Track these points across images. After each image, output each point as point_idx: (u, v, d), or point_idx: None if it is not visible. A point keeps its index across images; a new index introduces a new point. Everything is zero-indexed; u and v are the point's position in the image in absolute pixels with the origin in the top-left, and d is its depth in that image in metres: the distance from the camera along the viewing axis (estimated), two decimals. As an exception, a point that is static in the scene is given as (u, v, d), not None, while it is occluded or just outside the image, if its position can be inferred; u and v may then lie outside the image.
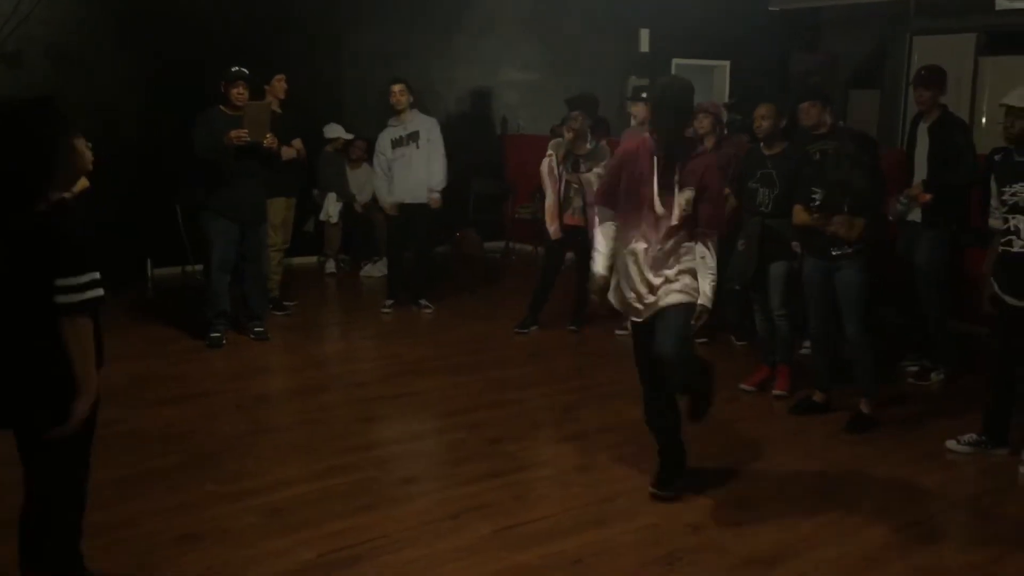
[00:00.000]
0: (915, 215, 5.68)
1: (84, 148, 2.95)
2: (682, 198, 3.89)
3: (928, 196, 5.55)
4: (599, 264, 4.12)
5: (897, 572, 3.52)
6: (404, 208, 7.27)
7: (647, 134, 4.05)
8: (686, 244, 3.94)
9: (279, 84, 7.19)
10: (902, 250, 5.79)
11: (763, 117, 5.38)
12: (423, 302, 7.53)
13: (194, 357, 6.18)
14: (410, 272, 7.54)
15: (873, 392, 5.05)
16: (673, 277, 3.94)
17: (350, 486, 4.16)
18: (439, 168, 7.22)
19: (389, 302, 7.53)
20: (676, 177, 3.90)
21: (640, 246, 3.96)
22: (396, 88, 7.16)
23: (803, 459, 4.60)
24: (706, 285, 3.92)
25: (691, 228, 3.94)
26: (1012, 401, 4.64)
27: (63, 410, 2.82)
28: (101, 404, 2.95)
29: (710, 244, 3.95)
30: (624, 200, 4.02)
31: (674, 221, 3.89)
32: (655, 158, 3.93)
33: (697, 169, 3.92)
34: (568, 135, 6.67)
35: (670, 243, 3.93)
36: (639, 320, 4.04)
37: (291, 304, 7.47)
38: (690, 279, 3.94)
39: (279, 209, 7.09)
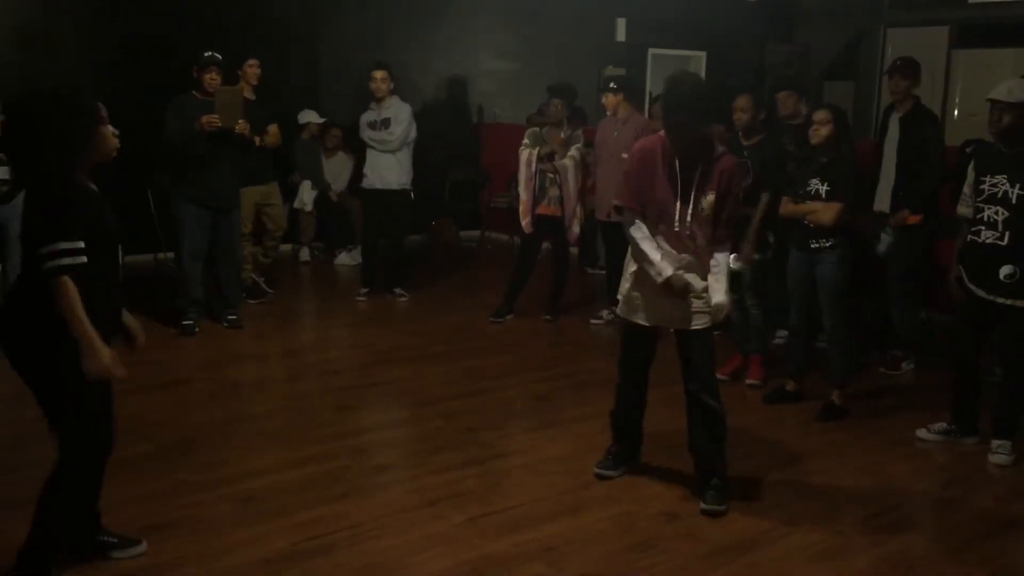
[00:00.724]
0: (884, 206, 5.72)
1: (110, 135, 3.16)
2: (704, 202, 3.78)
3: (918, 217, 5.53)
4: (665, 267, 3.80)
5: (867, 559, 3.56)
6: (378, 195, 7.24)
7: (663, 132, 3.89)
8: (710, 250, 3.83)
9: (251, 70, 7.09)
10: (869, 240, 5.83)
11: (742, 110, 5.39)
12: (398, 290, 7.51)
13: (167, 345, 6.12)
14: (385, 260, 7.52)
15: (846, 382, 5.09)
16: (701, 293, 3.85)
17: (325, 474, 4.15)
18: (386, 134, 7.10)
19: (364, 290, 7.51)
20: (696, 181, 3.77)
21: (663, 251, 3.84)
22: (378, 75, 7.11)
23: (776, 447, 4.64)
24: (723, 288, 3.84)
25: (713, 233, 3.83)
26: (978, 390, 4.69)
27: (57, 371, 2.98)
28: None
29: (726, 251, 3.88)
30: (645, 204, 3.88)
31: (686, 231, 3.79)
32: (675, 161, 3.79)
33: (718, 171, 3.80)
34: (554, 144, 6.65)
35: (695, 249, 3.82)
36: (646, 324, 3.97)
37: (266, 292, 7.42)
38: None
39: (249, 198, 7.03)
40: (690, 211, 3.80)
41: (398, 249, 7.56)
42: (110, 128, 3.15)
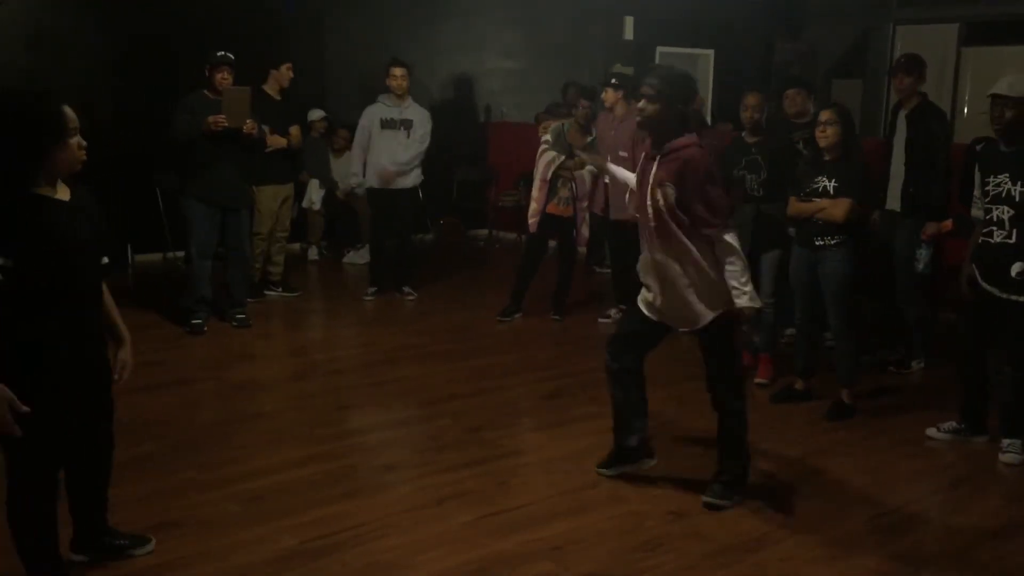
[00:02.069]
0: (896, 204, 5.69)
1: (76, 149, 2.94)
2: (657, 193, 3.69)
3: (949, 223, 5.53)
4: None
5: (875, 558, 3.54)
6: (386, 194, 7.23)
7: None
8: (687, 250, 3.72)
9: (286, 72, 7.06)
10: (881, 239, 5.80)
11: (752, 108, 5.38)
12: (406, 289, 7.51)
13: (175, 344, 6.13)
14: (393, 259, 7.51)
15: (854, 381, 5.07)
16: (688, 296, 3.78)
17: (330, 474, 4.15)
18: (415, 154, 7.15)
19: (372, 289, 7.50)
20: (652, 172, 3.73)
21: (648, 253, 3.87)
22: (398, 72, 7.09)
23: (784, 446, 4.62)
24: (738, 284, 3.70)
25: (685, 229, 3.71)
26: (985, 388, 4.66)
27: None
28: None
29: (725, 242, 3.69)
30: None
31: (651, 223, 3.76)
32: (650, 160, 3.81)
33: (674, 163, 3.70)
34: (576, 146, 6.61)
35: (665, 247, 3.76)
36: (654, 317, 3.96)
37: (275, 291, 7.42)
38: (698, 294, 3.78)
39: (268, 197, 7.04)
40: (640, 204, 3.82)
41: (406, 248, 7.55)
42: (77, 140, 2.93)
